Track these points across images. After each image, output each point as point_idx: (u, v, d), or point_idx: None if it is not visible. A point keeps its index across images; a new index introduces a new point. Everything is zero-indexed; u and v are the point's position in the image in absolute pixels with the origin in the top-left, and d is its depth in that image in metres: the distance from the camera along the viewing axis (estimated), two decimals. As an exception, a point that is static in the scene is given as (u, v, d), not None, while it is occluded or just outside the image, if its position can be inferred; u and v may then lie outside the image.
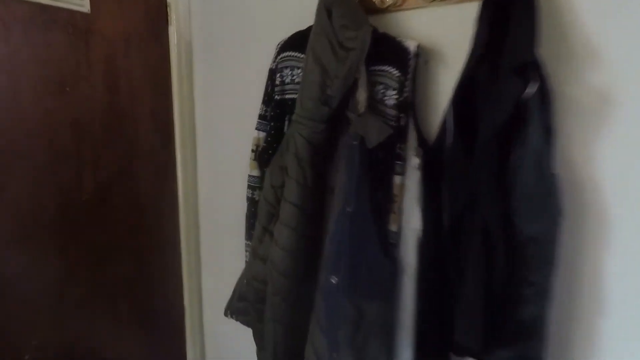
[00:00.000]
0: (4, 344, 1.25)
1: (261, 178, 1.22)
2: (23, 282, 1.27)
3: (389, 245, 1.00)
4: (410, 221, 0.99)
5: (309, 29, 1.13)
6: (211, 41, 1.54)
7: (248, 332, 1.24)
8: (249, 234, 1.26)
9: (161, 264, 1.63)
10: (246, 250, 1.29)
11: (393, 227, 1.01)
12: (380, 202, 1.00)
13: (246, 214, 1.27)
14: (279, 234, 1.04)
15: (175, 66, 1.55)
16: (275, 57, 1.23)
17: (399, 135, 1.03)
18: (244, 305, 1.20)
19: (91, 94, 1.35)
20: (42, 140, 1.26)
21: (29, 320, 1.30)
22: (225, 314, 1.27)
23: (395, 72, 1.05)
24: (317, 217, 1.04)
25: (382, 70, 1.06)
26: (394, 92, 1.05)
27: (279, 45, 1.23)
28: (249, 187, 1.25)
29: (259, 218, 1.14)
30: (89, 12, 1.31)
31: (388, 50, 1.07)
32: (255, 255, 1.12)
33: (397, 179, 1.02)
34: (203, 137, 1.62)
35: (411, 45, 1.04)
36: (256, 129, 1.24)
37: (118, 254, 1.48)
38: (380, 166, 1.01)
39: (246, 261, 1.25)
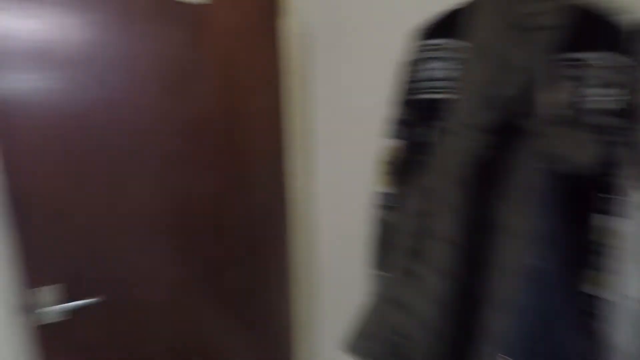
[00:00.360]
0: (123, 351, 1.24)
1: (396, 197, 0.99)
2: (144, 288, 1.25)
3: (588, 317, 0.70)
4: (628, 285, 0.67)
5: (465, 6, 0.85)
6: (333, 32, 1.33)
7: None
8: (378, 263, 1.05)
9: (273, 283, 1.51)
10: (372, 280, 1.08)
11: (594, 291, 0.70)
12: (579, 254, 0.69)
13: (374, 237, 1.06)
14: (425, 278, 0.80)
15: (292, 62, 1.38)
16: (416, 47, 0.97)
17: (610, 156, 0.71)
18: (371, 346, 0.99)
19: (206, 93, 1.25)
20: (157, 142, 1.19)
21: (147, 327, 1.27)
22: (345, 351, 1.08)
23: (606, 62, 0.73)
24: (478, 262, 0.77)
25: (583, 60, 0.74)
26: (603, 92, 0.72)
27: (421, 31, 0.97)
28: (380, 206, 1.03)
29: (395, 251, 0.91)
30: (205, 2, 1.19)
31: (592, 30, 0.75)
32: (392, 299, 0.90)
33: (605, 221, 0.70)
34: (323, 143, 1.43)
35: (631, 23, 0.70)
36: (391, 136, 1.01)
37: (231, 266, 1.40)
38: (580, 202, 0.71)
39: (374, 294, 1.04)
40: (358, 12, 1.24)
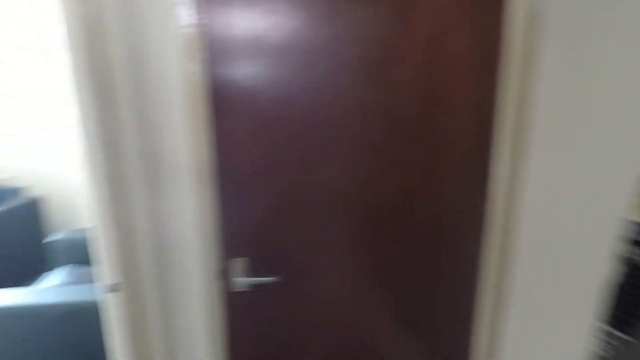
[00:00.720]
0: (292, 334, 1.27)
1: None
2: (318, 276, 1.25)
3: None
4: None
5: None
6: (574, 8, 1.02)
7: None
8: (616, 319, 0.76)
9: (456, 297, 1.32)
10: (600, 338, 0.79)
11: None
12: None
13: (616, 282, 0.77)
14: None
15: (515, 45, 1.13)
16: None
17: None
18: None
19: (407, 79, 1.13)
20: (352, 130, 1.15)
21: (316, 313, 1.27)
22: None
23: None
24: None
25: None
26: None
27: None
28: (631, 242, 0.74)
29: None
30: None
31: None
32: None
33: None
34: (541, 145, 1.14)
35: None
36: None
37: (411, 268, 1.28)
38: None
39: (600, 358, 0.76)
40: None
